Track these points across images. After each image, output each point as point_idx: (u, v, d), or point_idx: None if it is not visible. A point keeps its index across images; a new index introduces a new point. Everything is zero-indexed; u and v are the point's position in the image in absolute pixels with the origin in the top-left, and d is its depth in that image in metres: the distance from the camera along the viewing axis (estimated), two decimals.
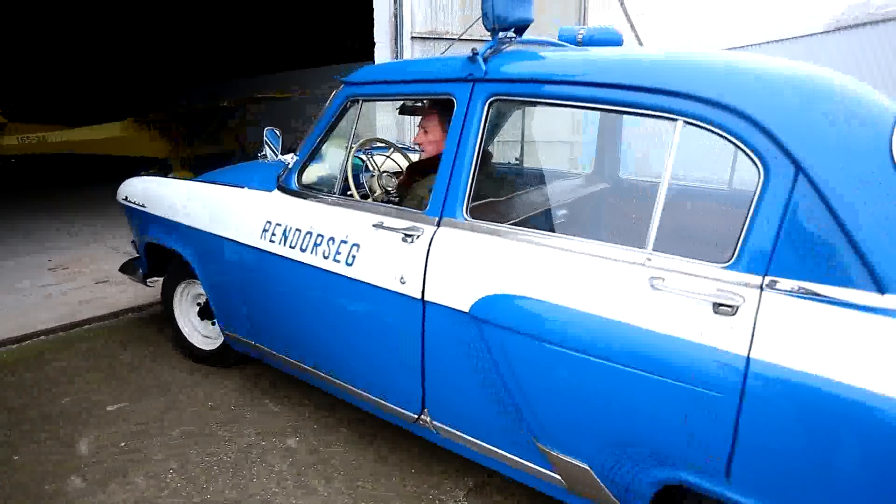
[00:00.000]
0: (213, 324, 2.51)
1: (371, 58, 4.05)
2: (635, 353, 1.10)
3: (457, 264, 1.42)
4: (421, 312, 1.50)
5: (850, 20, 4.61)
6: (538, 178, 2.06)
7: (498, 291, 1.33)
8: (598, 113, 2.10)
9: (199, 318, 2.58)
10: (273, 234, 1.89)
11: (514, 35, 1.51)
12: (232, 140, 9.36)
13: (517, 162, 2.61)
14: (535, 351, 1.26)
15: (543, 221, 1.43)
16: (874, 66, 4.53)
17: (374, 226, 1.62)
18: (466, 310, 1.38)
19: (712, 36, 6.31)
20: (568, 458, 1.29)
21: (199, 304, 2.58)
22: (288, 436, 2.07)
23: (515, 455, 1.44)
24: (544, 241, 1.31)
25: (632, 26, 6.82)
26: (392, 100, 1.76)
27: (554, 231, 1.33)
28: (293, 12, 9.34)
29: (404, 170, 2.22)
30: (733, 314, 1.00)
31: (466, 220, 1.46)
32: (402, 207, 1.64)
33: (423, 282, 1.47)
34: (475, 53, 1.46)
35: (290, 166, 1.99)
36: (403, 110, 2.22)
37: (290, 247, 1.83)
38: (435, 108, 1.82)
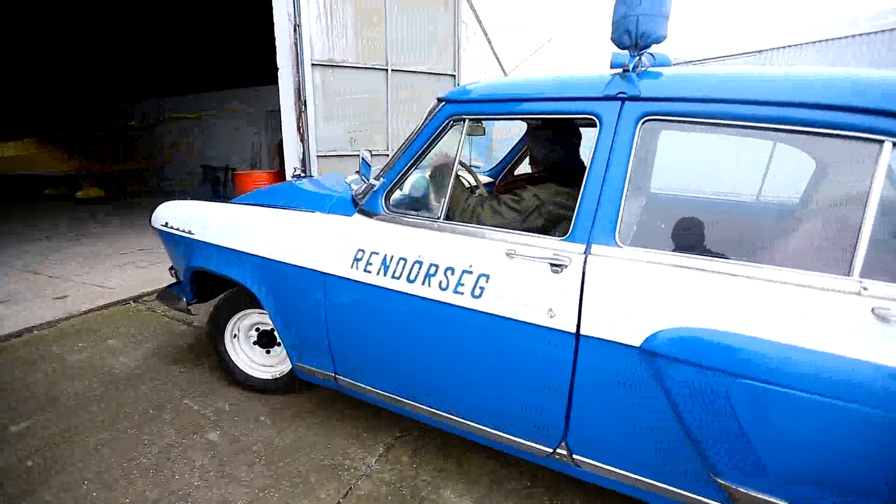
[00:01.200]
0: (270, 351, 2.37)
1: (275, 82, 4.37)
2: (868, 389, 1.04)
3: (623, 296, 1.31)
4: (573, 347, 1.39)
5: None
6: (661, 198, 1.95)
7: (679, 325, 1.23)
8: None
9: (257, 348, 2.40)
10: (369, 264, 1.72)
11: (651, 54, 1.41)
12: (143, 158, 10.11)
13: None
14: (730, 387, 1.17)
15: (701, 247, 1.34)
16: None
17: (507, 255, 1.49)
18: (637, 344, 1.28)
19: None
20: (761, 496, 1.21)
21: (252, 334, 2.37)
22: (209, 431, 2.10)
23: (681, 488, 1.36)
24: (729, 270, 1.22)
25: (498, 61, 7.97)
26: (506, 119, 1.62)
27: (719, 257, 1.25)
28: (201, 40, 9.84)
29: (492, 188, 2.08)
30: None
31: (621, 247, 1.35)
32: (536, 234, 1.52)
33: (577, 315, 1.36)
34: (627, 70, 1.36)
35: (374, 189, 1.82)
36: (472, 130, 2.10)
37: (394, 277, 1.67)
38: (536, 129, 1.71)
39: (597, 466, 1.47)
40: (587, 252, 1.39)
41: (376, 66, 4.79)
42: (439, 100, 1.72)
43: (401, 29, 4.88)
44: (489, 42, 8.25)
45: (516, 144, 2.75)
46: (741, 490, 1.24)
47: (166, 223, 2.41)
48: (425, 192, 1.84)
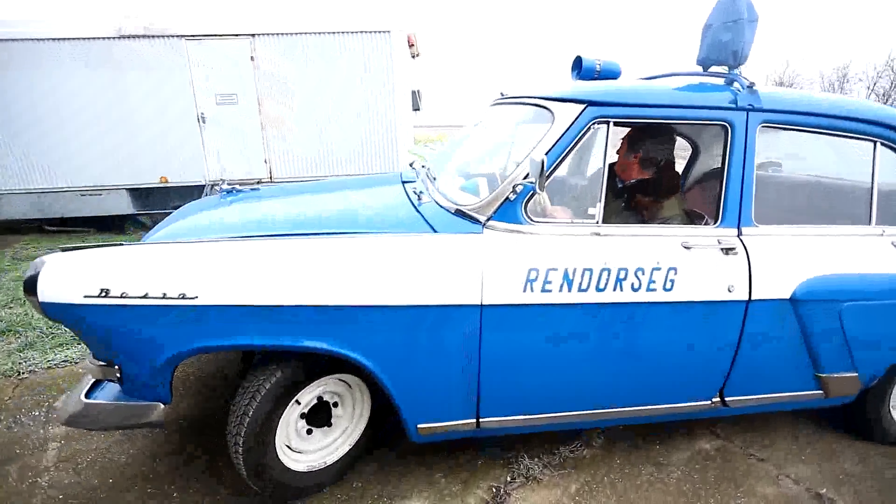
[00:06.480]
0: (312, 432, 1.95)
1: None
2: None
3: (776, 263, 1.86)
4: (743, 311, 1.86)
5: (131, 30, 5.96)
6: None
7: (809, 276, 1.88)
8: None
9: (306, 433, 1.94)
10: (547, 282, 1.72)
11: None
12: None
13: None
14: (840, 308, 1.90)
15: (802, 216, 2.03)
16: (153, 71, 6.04)
17: (684, 247, 1.81)
18: (787, 297, 1.87)
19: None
20: (844, 374, 2.03)
21: (303, 413, 1.91)
22: None
23: (793, 391, 2.07)
24: (823, 232, 1.94)
25: None
26: (646, 123, 1.87)
27: (815, 223, 1.97)
28: None
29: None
30: None
31: (758, 226, 1.89)
32: (695, 226, 1.89)
33: (749, 285, 1.84)
34: (751, 86, 1.86)
35: (508, 199, 1.78)
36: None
37: (580, 290, 1.74)
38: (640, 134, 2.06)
39: (744, 399, 2.03)
40: (740, 234, 1.88)
41: None
42: (577, 100, 1.81)
43: None
44: None
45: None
46: (833, 376, 2.03)
47: (107, 291, 1.53)
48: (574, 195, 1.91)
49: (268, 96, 6.39)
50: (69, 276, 1.53)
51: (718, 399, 2.03)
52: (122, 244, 1.63)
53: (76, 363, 2.94)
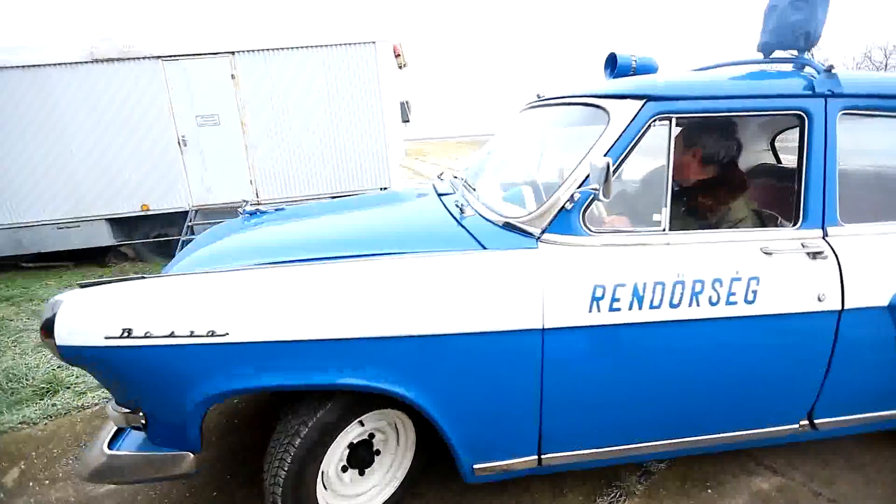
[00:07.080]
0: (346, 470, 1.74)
1: None
2: None
3: (870, 266, 1.66)
4: (836, 321, 1.66)
5: (104, 54, 5.67)
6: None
7: None
8: None
9: (347, 474, 1.75)
10: (615, 300, 1.51)
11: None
12: None
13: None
14: None
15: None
16: (129, 95, 5.83)
17: (764, 253, 1.61)
18: (885, 304, 1.67)
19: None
20: None
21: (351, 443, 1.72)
22: None
23: (889, 409, 1.85)
24: None
25: None
26: (714, 117, 1.68)
27: None
28: None
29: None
30: None
31: (844, 225, 1.70)
32: (774, 228, 1.70)
33: (841, 293, 1.64)
34: (829, 69, 1.68)
35: (564, 208, 1.58)
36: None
37: (652, 307, 1.53)
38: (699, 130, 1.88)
39: (836, 422, 1.81)
40: (825, 236, 1.68)
41: None
42: (634, 96, 1.62)
43: None
44: None
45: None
46: None
47: (129, 330, 1.33)
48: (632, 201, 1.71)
49: (251, 115, 6.19)
50: (88, 315, 1.35)
51: (807, 422, 1.82)
52: (143, 277, 1.44)
53: (35, 424, 2.61)
